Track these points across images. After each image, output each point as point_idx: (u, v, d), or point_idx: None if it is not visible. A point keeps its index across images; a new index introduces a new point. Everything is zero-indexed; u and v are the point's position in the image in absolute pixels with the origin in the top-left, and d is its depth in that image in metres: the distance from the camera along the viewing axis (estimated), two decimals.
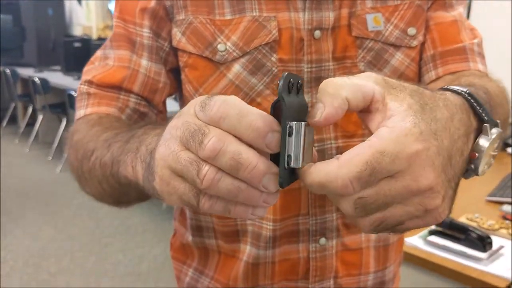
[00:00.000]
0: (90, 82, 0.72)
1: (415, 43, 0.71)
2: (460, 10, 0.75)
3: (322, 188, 0.37)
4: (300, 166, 0.38)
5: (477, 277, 1.21)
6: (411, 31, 0.71)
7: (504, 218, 1.52)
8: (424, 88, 0.41)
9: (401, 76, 0.71)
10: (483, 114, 0.44)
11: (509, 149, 2.27)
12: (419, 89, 0.40)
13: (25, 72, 5.79)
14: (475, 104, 0.44)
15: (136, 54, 0.71)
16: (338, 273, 0.77)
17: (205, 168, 0.36)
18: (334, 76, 0.68)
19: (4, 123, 6.57)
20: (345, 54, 0.70)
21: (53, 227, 3.63)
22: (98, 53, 0.76)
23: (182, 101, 0.77)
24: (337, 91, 0.37)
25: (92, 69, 0.74)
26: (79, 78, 5.15)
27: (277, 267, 0.75)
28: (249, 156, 0.35)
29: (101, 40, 5.43)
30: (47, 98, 5.26)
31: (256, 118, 0.35)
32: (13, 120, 6.66)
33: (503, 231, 1.42)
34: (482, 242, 1.27)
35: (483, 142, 0.44)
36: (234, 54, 0.67)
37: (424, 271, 1.31)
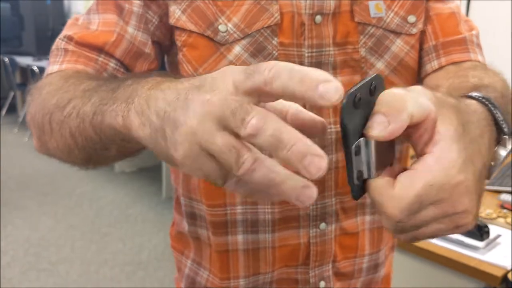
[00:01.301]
0: (69, 38, 0.68)
1: (414, 30, 0.72)
2: (457, 2, 0.76)
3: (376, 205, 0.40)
4: (372, 177, 0.40)
5: (474, 266, 1.21)
6: (411, 18, 0.72)
7: (502, 207, 1.52)
8: (457, 98, 0.43)
9: (400, 62, 0.72)
10: (504, 126, 0.46)
11: None
12: (459, 104, 0.42)
13: (24, 61, 5.77)
14: (498, 117, 0.46)
15: (123, 20, 0.68)
16: (336, 257, 0.78)
17: (245, 156, 0.34)
18: (334, 60, 0.69)
19: (3, 112, 6.57)
20: (346, 40, 0.70)
21: (53, 216, 3.64)
22: (83, 16, 0.72)
23: None
24: (403, 106, 0.37)
25: (74, 26, 0.71)
26: None
27: (277, 252, 0.75)
28: (290, 134, 0.33)
29: None
30: None
31: (308, 71, 0.34)
32: (12, 109, 6.65)
33: (501, 220, 1.43)
34: (480, 231, 1.28)
35: (502, 153, 0.47)
36: (235, 35, 0.67)
37: (421, 260, 1.31)
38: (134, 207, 3.81)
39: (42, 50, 6.02)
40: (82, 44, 0.67)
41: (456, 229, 0.41)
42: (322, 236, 0.75)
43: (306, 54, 0.69)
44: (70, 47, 0.68)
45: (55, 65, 0.68)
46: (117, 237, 3.32)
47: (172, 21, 0.68)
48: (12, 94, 6.53)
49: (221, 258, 0.76)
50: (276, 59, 0.67)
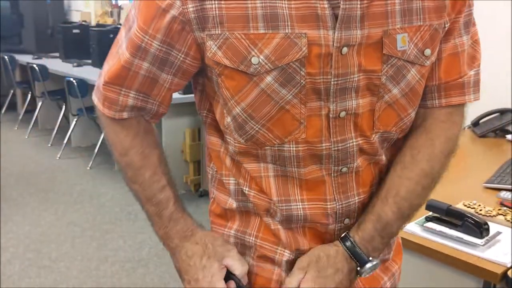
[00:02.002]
0: None
1: (428, 62, 0.81)
2: (471, 32, 0.84)
3: None
4: None
5: (473, 263, 1.22)
6: (427, 51, 0.79)
7: (502, 204, 1.53)
8: (323, 250, 0.83)
9: (411, 89, 0.80)
10: (357, 260, 0.83)
11: (508, 136, 2.27)
12: (320, 258, 0.83)
13: (23, 58, 5.77)
14: (355, 255, 0.83)
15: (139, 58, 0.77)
16: None
17: None
18: (357, 86, 0.77)
19: (3, 110, 6.57)
20: (370, 68, 0.77)
21: (53, 213, 3.65)
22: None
23: (212, 98, 0.83)
24: None
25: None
26: (78, 64, 5.17)
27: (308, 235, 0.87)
28: None
29: (100, 26, 5.40)
30: (46, 85, 5.25)
31: None
32: (12, 107, 6.65)
33: (501, 217, 1.43)
34: (479, 229, 1.28)
35: (360, 272, 0.84)
36: (266, 67, 0.74)
37: (420, 257, 1.32)
38: (135, 204, 3.77)
39: (42, 48, 6.01)
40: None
41: None
42: (346, 229, 0.86)
43: (332, 82, 0.75)
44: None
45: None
46: (118, 234, 3.33)
47: (209, 55, 0.75)
48: (12, 92, 6.53)
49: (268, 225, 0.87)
50: (303, 87, 0.75)
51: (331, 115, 0.77)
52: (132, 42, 0.76)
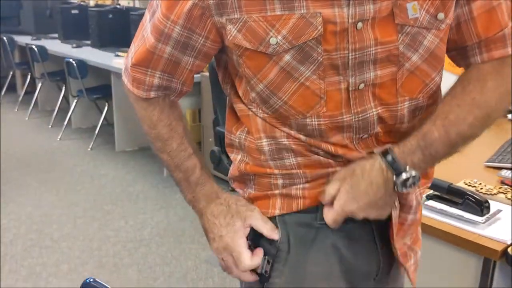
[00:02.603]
0: None
1: (443, 26, 0.82)
2: None
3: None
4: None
5: (473, 240, 1.22)
6: (440, 16, 0.81)
7: (503, 183, 1.53)
8: (358, 164, 0.84)
9: (431, 54, 0.82)
10: (394, 174, 0.81)
11: (509, 115, 2.26)
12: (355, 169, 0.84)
13: (23, 40, 5.73)
14: (394, 172, 0.81)
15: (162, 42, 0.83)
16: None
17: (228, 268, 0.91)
18: (375, 58, 0.79)
19: (3, 91, 6.55)
20: (386, 39, 0.79)
21: (55, 194, 3.66)
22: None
23: (235, 75, 0.87)
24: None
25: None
26: (77, 45, 5.13)
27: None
28: (232, 267, 0.89)
29: (99, 6, 5.35)
30: (46, 66, 5.22)
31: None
32: (12, 88, 6.63)
33: (501, 195, 1.44)
34: (480, 207, 1.28)
35: (396, 182, 0.82)
36: (284, 46, 0.77)
37: (421, 235, 1.32)
38: (136, 185, 3.83)
39: (41, 29, 5.97)
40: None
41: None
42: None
43: (350, 56, 0.78)
44: None
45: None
46: (119, 214, 3.34)
47: (229, 38, 0.80)
48: (11, 73, 6.50)
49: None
50: (321, 63, 0.78)
51: (350, 88, 0.81)
52: (156, 28, 0.82)
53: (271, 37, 0.77)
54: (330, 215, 0.86)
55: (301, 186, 0.88)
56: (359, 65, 0.79)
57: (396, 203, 0.89)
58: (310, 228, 0.89)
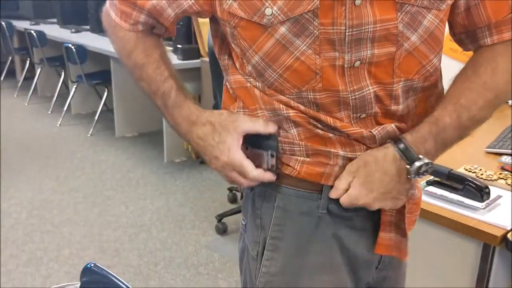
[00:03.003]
0: None
1: (443, 6, 0.81)
2: None
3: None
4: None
5: (473, 226, 1.23)
6: None
7: (503, 169, 1.53)
8: (370, 154, 0.84)
9: (431, 34, 0.81)
10: (409, 162, 0.81)
11: (510, 101, 2.26)
12: (368, 159, 0.84)
13: (21, 25, 5.69)
14: (407, 161, 0.82)
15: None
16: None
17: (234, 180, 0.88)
18: (373, 36, 0.77)
19: (2, 76, 6.53)
20: (385, 17, 0.77)
21: (55, 180, 3.67)
22: None
23: (232, 48, 0.86)
24: None
25: None
26: (76, 30, 5.10)
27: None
28: (240, 179, 0.87)
29: None
30: (45, 51, 5.20)
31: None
32: (11, 73, 6.61)
33: (501, 181, 1.44)
34: (480, 192, 1.29)
35: (410, 171, 0.82)
36: (279, 18, 0.77)
37: (421, 220, 1.32)
38: (136, 171, 3.83)
39: (39, 14, 5.93)
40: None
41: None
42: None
43: (347, 33, 0.76)
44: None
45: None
46: (120, 200, 3.35)
47: (225, 7, 0.80)
48: (10, 58, 6.47)
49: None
50: (317, 37, 0.77)
51: (345, 65, 0.79)
52: None
53: (267, 7, 0.76)
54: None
55: (301, 159, 0.86)
56: (356, 42, 0.78)
57: (410, 192, 0.88)
58: (311, 217, 0.89)
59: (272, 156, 0.85)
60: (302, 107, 0.83)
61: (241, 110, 0.89)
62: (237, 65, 0.87)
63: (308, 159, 0.86)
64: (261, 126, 0.85)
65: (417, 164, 0.80)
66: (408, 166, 0.81)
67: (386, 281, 0.98)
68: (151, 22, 0.88)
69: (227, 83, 0.91)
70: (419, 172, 0.81)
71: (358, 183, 0.83)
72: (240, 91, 0.88)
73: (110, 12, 0.90)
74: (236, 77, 0.88)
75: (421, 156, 0.81)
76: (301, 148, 0.86)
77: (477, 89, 0.83)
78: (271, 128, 0.85)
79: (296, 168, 0.86)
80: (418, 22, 0.80)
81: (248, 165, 0.85)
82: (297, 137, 0.85)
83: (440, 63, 0.87)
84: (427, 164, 0.81)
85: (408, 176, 0.82)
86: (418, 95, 0.87)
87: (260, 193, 0.91)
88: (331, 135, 0.84)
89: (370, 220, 0.91)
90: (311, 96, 0.82)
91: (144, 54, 0.89)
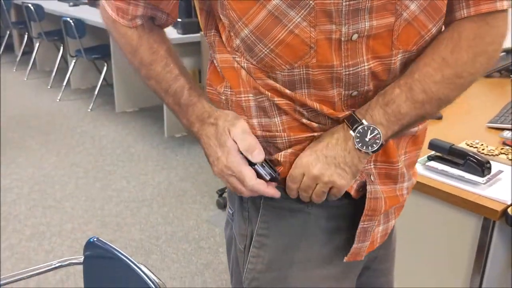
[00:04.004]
0: None
1: None
2: None
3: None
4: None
5: (474, 201, 1.23)
6: None
7: (504, 144, 1.53)
8: (328, 135, 0.82)
9: (430, 3, 0.76)
10: (358, 141, 0.79)
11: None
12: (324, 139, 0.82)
13: None
14: (356, 134, 0.79)
15: None
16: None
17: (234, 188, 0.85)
18: (371, 6, 0.73)
19: (0, 51, 6.47)
20: None
21: (56, 155, 3.67)
22: None
23: (219, 19, 0.82)
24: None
25: None
26: (74, 4, 5.03)
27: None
28: (240, 187, 0.83)
29: None
30: (43, 25, 5.14)
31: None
32: (10, 48, 6.55)
33: (503, 156, 1.44)
34: (481, 167, 1.29)
35: (354, 137, 0.79)
36: None
37: (421, 195, 1.33)
38: (137, 146, 3.84)
39: None
40: None
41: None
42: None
43: (344, 3, 0.72)
44: None
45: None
46: (121, 175, 3.36)
47: None
48: (8, 32, 6.41)
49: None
50: (313, 8, 0.72)
51: (343, 39, 0.75)
52: None
53: None
54: (293, 187, 0.83)
55: (282, 153, 0.84)
56: (354, 13, 0.73)
57: (372, 178, 0.86)
58: (300, 214, 0.88)
59: (263, 166, 0.82)
60: (288, 92, 0.79)
61: (228, 90, 0.85)
62: (224, 38, 0.82)
63: (290, 150, 0.84)
64: (249, 153, 0.81)
65: (360, 129, 0.77)
66: (352, 132, 0.78)
67: (377, 260, 1.00)
68: (150, 13, 0.84)
69: (214, 61, 0.87)
70: (364, 141, 0.78)
71: (307, 155, 0.81)
72: (226, 72, 0.84)
73: (106, 8, 0.86)
74: (223, 56, 0.84)
75: (364, 121, 0.78)
76: (284, 140, 0.84)
77: (434, 65, 0.78)
78: (257, 158, 0.81)
79: (280, 161, 0.84)
80: None
81: (247, 173, 0.81)
82: (280, 126, 0.83)
83: (438, 33, 0.81)
84: (372, 131, 0.77)
85: (357, 147, 0.78)
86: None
87: None
88: (315, 125, 0.82)
89: (359, 212, 0.87)
90: (303, 73, 0.77)
91: (150, 51, 0.85)
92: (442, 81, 0.78)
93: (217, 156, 0.83)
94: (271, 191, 0.83)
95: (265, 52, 0.77)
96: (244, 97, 0.83)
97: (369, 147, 0.78)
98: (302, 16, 0.73)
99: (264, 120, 0.83)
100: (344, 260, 0.90)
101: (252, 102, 0.83)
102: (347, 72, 0.77)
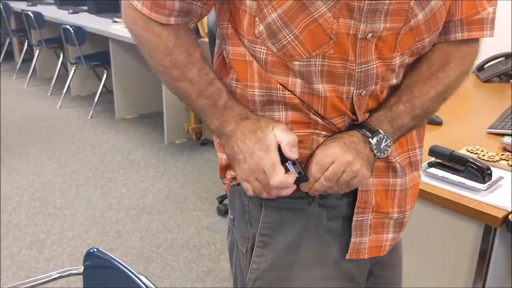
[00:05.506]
0: None
1: None
2: None
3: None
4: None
5: (474, 208, 1.23)
6: None
7: (505, 149, 1.53)
8: (346, 137, 0.86)
9: (433, 15, 0.84)
10: (375, 148, 0.86)
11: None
12: (344, 140, 0.86)
13: (18, 5, 5.64)
14: (372, 141, 0.86)
15: None
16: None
17: (253, 191, 0.86)
18: (387, 9, 0.79)
19: (0, 59, 6.48)
20: None
21: (56, 162, 3.67)
22: None
23: (238, 8, 0.83)
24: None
25: None
26: (73, 11, 5.05)
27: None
28: (266, 183, 0.82)
29: None
30: (42, 32, 5.16)
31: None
32: (10, 56, 6.56)
33: (503, 162, 1.43)
34: (482, 174, 1.28)
35: (372, 143, 0.87)
36: None
37: (422, 202, 1.33)
38: (137, 152, 3.84)
39: None
40: None
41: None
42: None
43: (366, 1, 0.77)
44: None
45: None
46: (121, 182, 3.36)
47: None
48: (8, 40, 6.42)
49: None
50: (338, 1, 0.77)
51: (359, 36, 0.80)
52: None
53: None
54: (318, 175, 0.85)
55: None
56: (372, 13, 0.78)
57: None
58: (303, 213, 0.89)
59: (294, 164, 0.83)
60: (298, 90, 0.83)
61: (234, 83, 0.87)
62: (244, 27, 0.83)
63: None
64: (288, 142, 0.82)
65: (376, 138, 0.86)
66: (370, 140, 0.86)
67: (379, 265, 1.01)
68: (187, 7, 0.82)
69: (224, 52, 0.88)
70: (380, 147, 0.86)
71: (334, 145, 0.86)
72: (236, 64, 0.86)
73: (135, 4, 0.82)
74: (236, 48, 0.85)
75: (381, 131, 0.86)
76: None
77: (430, 83, 0.89)
78: (296, 154, 0.83)
79: None
80: (427, 1, 0.82)
81: (279, 169, 0.81)
82: (284, 121, 0.85)
83: (430, 44, 0.89)
84: (385, 137, 0.87)
85: (373, 151, 0.86)
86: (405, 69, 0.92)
87: None
88: (319, 121, 0.85)
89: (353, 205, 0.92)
90: (319, 63, 0.81)
91: (186, 53, 0.84)
92: (435, 97, 0.90)
93: (252, 151, 0.82)
94: (292, 190, 0.84)
95: (289, 38, 0.79)
96: (250, 90, 0.85)
97: (382, 153, 0.87)
98: (328, 7, 0.77)
99: (268, 114, 0.86)
100: (346, 257, 0.92)
101: (257, 97, 0.85)
102: (359, 69, 0.82)
